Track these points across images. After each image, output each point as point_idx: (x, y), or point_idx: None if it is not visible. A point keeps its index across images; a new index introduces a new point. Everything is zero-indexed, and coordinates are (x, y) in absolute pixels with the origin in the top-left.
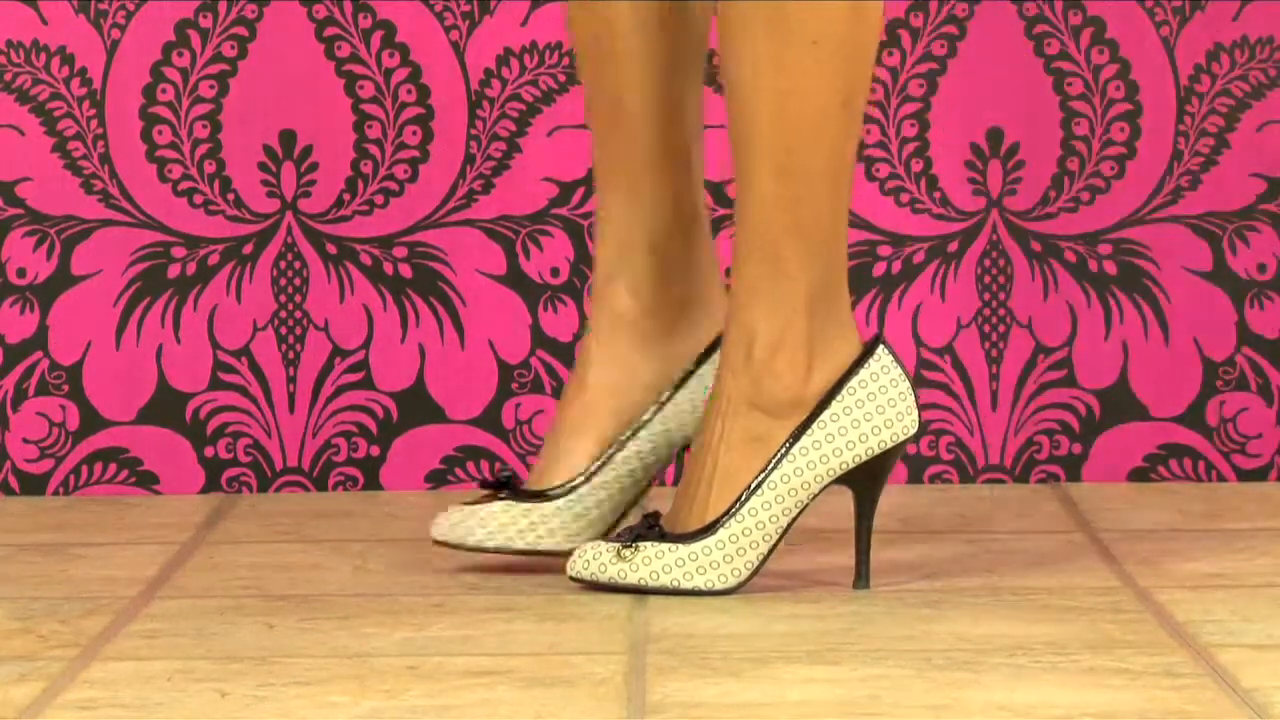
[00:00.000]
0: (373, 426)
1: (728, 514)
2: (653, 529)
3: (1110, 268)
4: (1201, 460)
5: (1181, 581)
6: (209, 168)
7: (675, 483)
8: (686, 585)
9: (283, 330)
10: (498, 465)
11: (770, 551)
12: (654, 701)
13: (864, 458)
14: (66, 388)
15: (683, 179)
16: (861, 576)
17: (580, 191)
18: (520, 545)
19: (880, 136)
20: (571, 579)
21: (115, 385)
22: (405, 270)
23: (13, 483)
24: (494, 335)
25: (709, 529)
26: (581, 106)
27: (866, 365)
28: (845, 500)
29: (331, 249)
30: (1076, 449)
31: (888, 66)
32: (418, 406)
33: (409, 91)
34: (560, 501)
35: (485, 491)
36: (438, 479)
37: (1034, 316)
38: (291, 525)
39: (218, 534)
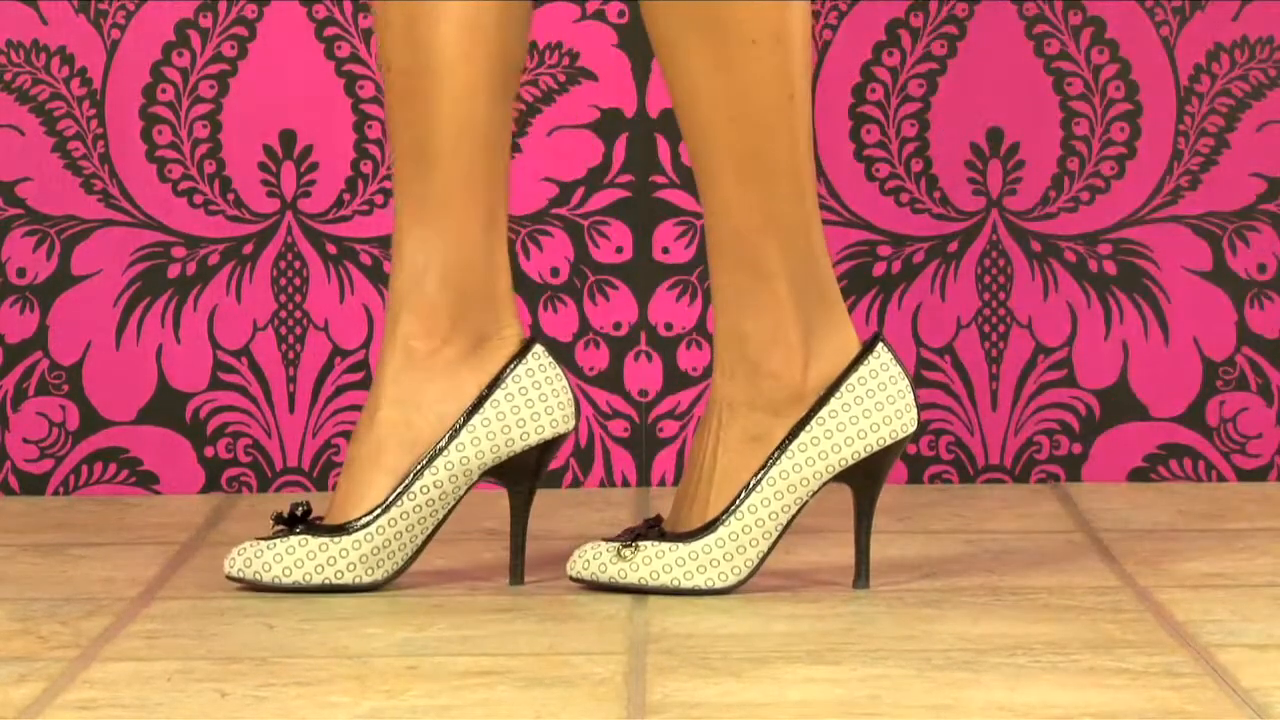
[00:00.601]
0: None
1: (727, 512)
2: (653, 529)
3: (1110, 268)
4: (1201, 460)
5: (1181, 581)
6: (209, 168)
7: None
8: (687, 584)
9: (283, 330)
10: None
11: (770, 549)
12: (654, 701)
13: (862, 455)
14: (66, 388)
15: (483, 212)
16: (861, 576)
17: (580, 191)
18: (317, 581)
19: (880, 136)
20: (571, 579)
21: (115, 385)
22: None
23: (13, 483)
24: None
25: (709, 527)
26: (581, 107)
27: (865, 363)
28: (845, 499)
29: (331, 249)
30: (1076, 449)
31: (888, 66)
32: None
33: None
34: (360, 534)
35: (279, 526)
36: None
37: (1034, 316)
38: None
39: (218, 534)
